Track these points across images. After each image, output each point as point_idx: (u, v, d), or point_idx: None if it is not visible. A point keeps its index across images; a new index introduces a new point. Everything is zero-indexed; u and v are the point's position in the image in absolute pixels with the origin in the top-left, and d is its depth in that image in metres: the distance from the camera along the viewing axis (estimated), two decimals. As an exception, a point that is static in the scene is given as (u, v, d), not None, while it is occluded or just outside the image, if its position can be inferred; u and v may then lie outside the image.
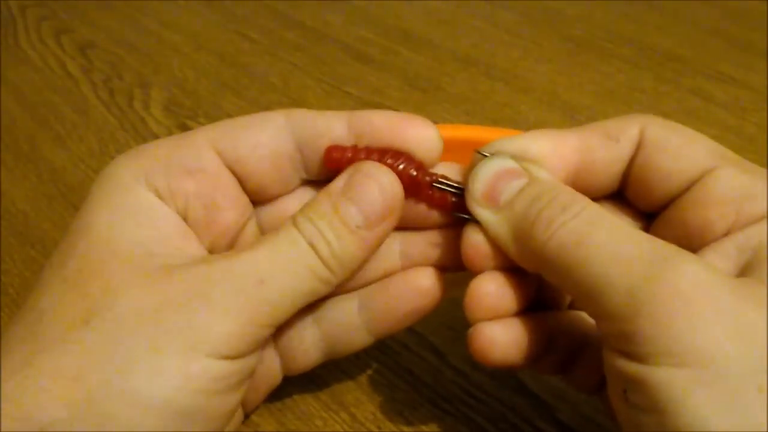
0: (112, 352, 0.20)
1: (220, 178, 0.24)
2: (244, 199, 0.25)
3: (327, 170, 0.24)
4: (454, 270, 0.25)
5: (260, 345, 0.22)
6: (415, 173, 0.24)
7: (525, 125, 0.45)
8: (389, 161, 0.23)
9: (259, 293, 0.21)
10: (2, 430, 0.19)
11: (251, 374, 0.23)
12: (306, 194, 0.25)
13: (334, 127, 0.24)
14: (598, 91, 0.49)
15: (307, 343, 0.25)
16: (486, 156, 0.23)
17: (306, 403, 0.29)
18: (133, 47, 0.55)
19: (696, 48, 0.53)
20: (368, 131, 0.24)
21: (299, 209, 0.23)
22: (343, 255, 0.23)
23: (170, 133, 0.45)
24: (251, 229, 0.25)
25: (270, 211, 0.25)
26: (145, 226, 0.22)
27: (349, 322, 0.25)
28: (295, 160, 0.24)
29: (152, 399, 0.20)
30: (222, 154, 0.24)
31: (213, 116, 0.47)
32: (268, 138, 0.24)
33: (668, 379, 0.18)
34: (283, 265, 0.22)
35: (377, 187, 0.23)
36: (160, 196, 0.23)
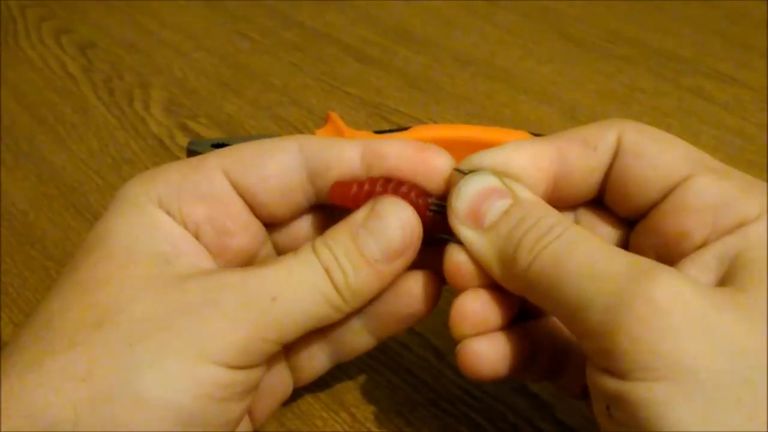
0: (121, 355, 0.20)
1: (230, 204, 0.24)
2: (257, 224, 0.25)
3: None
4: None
5: (266, 359, 0.23)
6: (415, 198, 0.24)
7: (525, 125, 0.45)
8: (391, 189, 0.23)
9: (269, 309, 0.22)
10: (9, 428, 0.19)
11: (256, 386, 0.23)
12: (320, 217, 0.26)
13: (346, 157, 0.24)
14: (598, 91, 0.49)
15: (313, 350, 0.26)
16: (465, 173, 0.23)
17: (306, 403, 0.29)
18: (133, 47, 0.55)
19: (696, 48, 0.53)
20: (381, 162, 0.24)
21: (320, 236, 0.23)
22: (356, 285, 0.23)
23: (170, 134, 0.45)
24: (266, 252, 0.26)
25: (284, 235, 0.26)
26: (161, 241, 0.23)
27: (349, 326, 0.25)
28: (306, 190, 0.24)
29: (157, 401, 0.20)
30: (233, 182, 0.24)
31: (213, 116, 0.47)
32: (278, 170, 0.24)
33: (648, 395, 0.18)
34: (296, 286, 0.22)
35: (397, 222, 0.23)
36: (173, 219, 0.23)
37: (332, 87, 0.50)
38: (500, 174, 0.23)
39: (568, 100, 0.48)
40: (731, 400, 0.17)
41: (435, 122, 0.46)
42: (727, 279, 0.20)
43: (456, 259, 0.23)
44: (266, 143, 0.24)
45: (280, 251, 0.26)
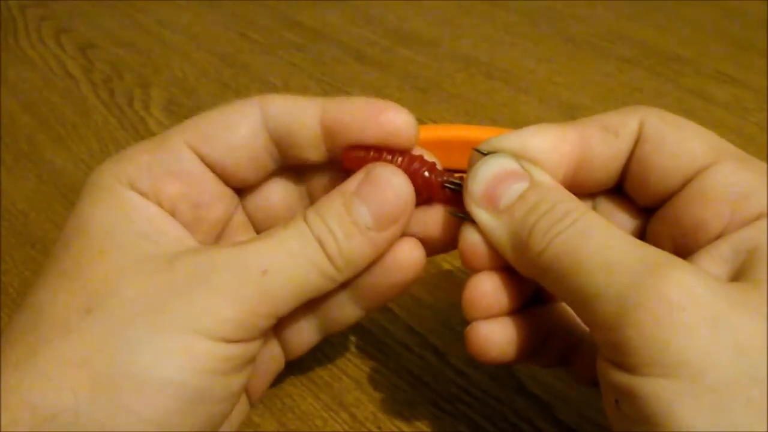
0: (116, 337, 0.20)
1: (202, 177, 0.24)
2: (229, 193, 0.25)
3: (300, 159, 0.24)
4: (442, 251, 0.25)
5: (262, 333, 0.22)
6: (428, 174, 0.24)
7: (525, 125, 0.45)
8: (404, 162, 0.24)
9: (261, 284, 0.21)
10: (10, 420, 0.19)
11: (254, 357, 0.23)
12: (289, 177, 0.26)
13: (305, 121, 0.24)
14: (598, 91, 0.49)
15: (302, 324, 0.26)
16: (484, 154, 0.23)
17: (306, 403, 0.29)
18: (133, 47, 0.55)
19: (696, 48, 0.53)
20: (341, 119, 0.23)
21: (311, 206, 0.23)
22: (350, 254, 0.23)
23: (170, 133, 0.45)
24: (239, 217, 0.26)
25: (256, 198, 0.26)
26: (141, 222, 0.22)
27: (336, 299, 0.25)
28: (272, 152, 0.24)
29: (158, 380, 0.20)
30: (199, 155, 0.24)
31: (213, 116, 0.47)
32: (242, 140, 0.24)
33: (656, 390, 0.18)
34: (287, 258, 0.22)
35: (390, 189, 0.23)
36: (147, 199, 0.23)
37: (332, 87, 0.50)
38: (519, 157, 0.23)
39: (568, 100, 0.48)
40: (741, 399, 0.17)
41: (435, 122, 0.46)
42: (742, 272, 0.20)
43: (470, 239, 0.23)
44: (227, 112, 0.24)
45: (253, 214, 0.26)
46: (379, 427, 0.28)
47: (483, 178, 0.23)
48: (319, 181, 0.26)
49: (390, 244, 0.24)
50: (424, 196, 0.24)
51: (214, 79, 0.51)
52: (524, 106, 0.47)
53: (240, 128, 0.24)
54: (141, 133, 0.45)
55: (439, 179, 0.24)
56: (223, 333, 0.21)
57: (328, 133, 0.24)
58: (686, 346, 0.18)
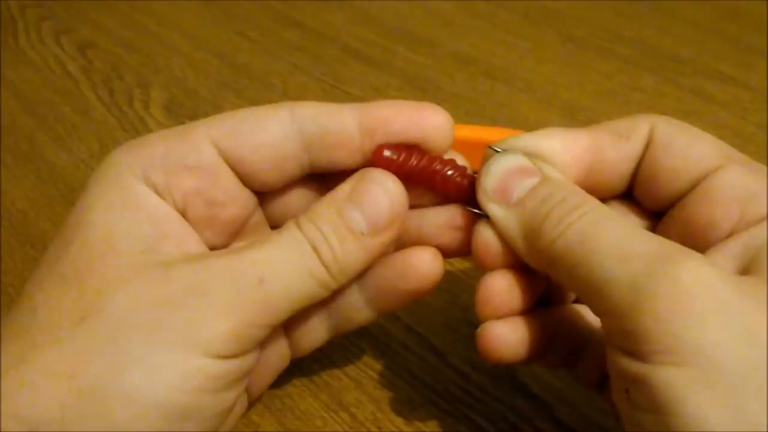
0: (107, 351, 0.20)
1: (219, 174, 0.23)
2: (246, 193, 0.24)
3: (333, 164, 0.24)
4: (458, 255, 0.25)
5: (258, 344, 0.22)
6: (459, 179, 0.24)
7: (525, 125, 0.45)
8: (426, 162, 0.24)
9: (257, 293, 0.21)
10: None
11: (250, 371, 0.23)
12: (314, 184, 0.25)
13: (344, 122, 0.23)
14: (598, 91, 0.49)
15: (313, 324, 0.25)
16: (498, 152, 0.24)
17: (306, 403, 0.29)
18: (133, 47, 0.55)
19: (696, 48, 0.53)
20: (380, 124, 0.23)
21: (304, 212, 0.23)
22: (344, 260, 0.23)
23: (170, 133, 0.45)
24: (256, 219, 0.25)
25: (278, 201, 0.25)
26: (144, 223, 0.22)
27: (350, 300, 0.25)
28: (300, 158, 0.24)
29: (147, 398, 0.20)
30: (222, 152, 0.23)
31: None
32: (271, 139, 0.23)
33: (669, 379, 0.18)
34: (283, 266, 0.22)
35: (384, 194, 0.23)
36: (158, 193, 0.23)
37: (332, 87, 0.50)
38: (532, 156, 0.23)
39: (568, 100, 0.48)
40: (753, 388, 0.17)
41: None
42: (750, 268, 0.20)
43: (484, 236, 0.23)
44: (256, 111, 0.24)
45: (274, 218, 0.26)
46: (379, 427, 0.28)
47: (495, 173, 0.23)
48: None
49: (384, 249, 0.24)
50: (449, 196, 0.24)
51: (214, 79, 0.51)
52: (524, 106, 0.47)
53: (267, 127, 0.23)
54: (141, 133, 0.45)
55: (465, 182, 0.24)
56: (217, 348, 0.21)
57: (367, 133, 0.23)
58: (700, 335, 0.18)
